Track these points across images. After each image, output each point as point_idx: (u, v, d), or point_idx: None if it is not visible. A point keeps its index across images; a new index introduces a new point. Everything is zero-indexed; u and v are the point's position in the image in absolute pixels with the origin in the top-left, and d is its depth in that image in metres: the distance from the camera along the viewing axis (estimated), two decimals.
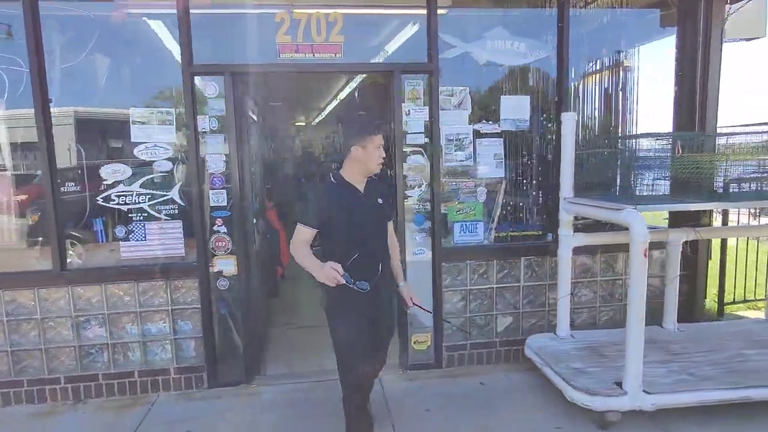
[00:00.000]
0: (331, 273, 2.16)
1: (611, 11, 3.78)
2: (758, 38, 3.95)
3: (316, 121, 10.86)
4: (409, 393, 3.31)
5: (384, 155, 2.39)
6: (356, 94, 6.10)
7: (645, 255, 2.66)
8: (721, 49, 3.64)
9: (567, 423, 2.91)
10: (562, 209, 3.39)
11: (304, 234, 2.33)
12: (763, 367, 3.02)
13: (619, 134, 3.75)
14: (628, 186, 3.27)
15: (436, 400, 3.20)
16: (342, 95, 7.04)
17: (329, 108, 8.79)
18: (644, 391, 2.76)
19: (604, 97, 3.82)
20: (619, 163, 3.38)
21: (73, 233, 3.34)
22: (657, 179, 3.42)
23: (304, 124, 11.38)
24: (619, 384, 2.81)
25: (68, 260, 3.29)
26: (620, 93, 3.84)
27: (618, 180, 3.47)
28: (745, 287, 4.40)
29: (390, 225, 2.64)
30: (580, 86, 3.76)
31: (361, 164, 2.34)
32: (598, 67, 3.80)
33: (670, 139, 3.50)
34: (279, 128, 8.12)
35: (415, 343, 3.66)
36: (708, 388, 2.80)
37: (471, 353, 3.71)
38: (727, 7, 3.68)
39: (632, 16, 3.84)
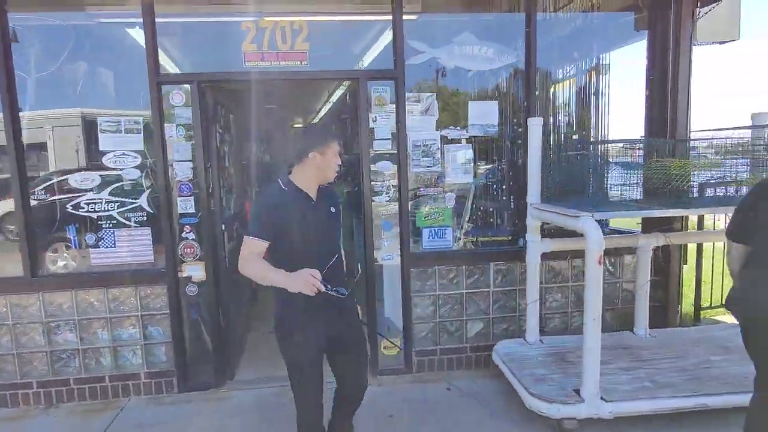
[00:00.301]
0: (310, 279, 1.93)
1: (582, 16, 3.78)
2: (732, 41, 3.91)
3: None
4: (374, 399, 3.32)
5: (340, 163, 2.27)
6: (347, 98, 6.14)
7: (599, 262, 2.66)
8: (690, 53, 3.61)
9: (527, 430, 2.91)
10: (529, 215, 3.39)
11: (255, 247, 2.07)
12: (726, 373, 3.00)
13: (591, 139, 3.73)
14: (593, 192, 3.26)
15: (401, 406, 3.22)
16: (334, 99, 7.08)
17: (323, 112, 8.85)
18: (602, 398, 2.75)
19: (575, 102, 3.81)
20: (583, 169, 3.37)
21: (45, 240, 3.40)
22: (623, 185, 3.43)
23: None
24: (578, 391, 2.81)
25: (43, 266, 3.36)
26: (592, 98, 3.82)
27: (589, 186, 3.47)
28: (722, 291, 4.35)
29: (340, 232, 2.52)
30: (550, 91, 3.75)
31: (319, 171, 2.17)
32: (568, 72, 3.80)
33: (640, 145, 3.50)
34: (271, 133, 8.16)
35: (384, 348, 3.68)
36: (665, 395, 2.79)
37: (441, 359, 3.71)
38: (697, 10, 3.66)
39: (603, 21, 3.83)
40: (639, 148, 3.43)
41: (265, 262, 2.07)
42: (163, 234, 3.38)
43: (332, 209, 2.32)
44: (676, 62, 3.60)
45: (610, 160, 3.55)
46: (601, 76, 3.77)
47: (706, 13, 3.55)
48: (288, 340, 2.18)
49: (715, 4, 3.50)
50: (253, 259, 2.07)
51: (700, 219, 4.13)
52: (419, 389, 3.46)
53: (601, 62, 3.83)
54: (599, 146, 3.45)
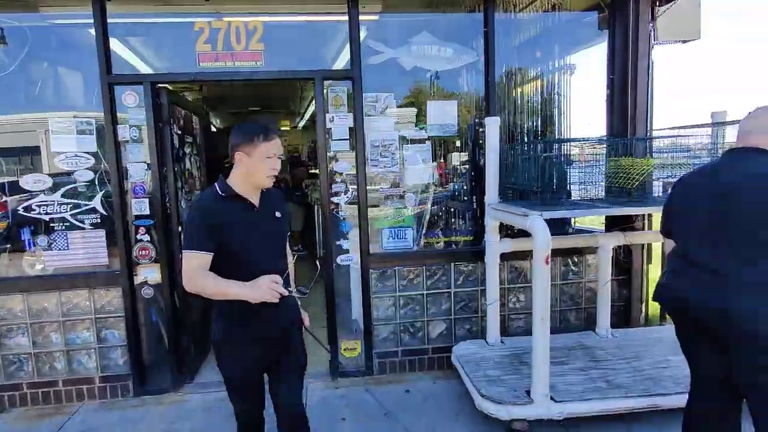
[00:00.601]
0: (272, 286, 1.78)
1: (544, 16, 3.76)
2: (694, 40, 3.91)
3: (301, 125, 10.92)
4: (330, 402, 3.29)
5: (277, 167, 1.96)
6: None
7: (546, 262, 2.63)
8: (650, 52, 3.61)
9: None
10: (487, 215, 3.37)
11: (198, 260, 1.84)
12: (681, 373, 2.97)
13: (553, 138, 3.71)
14: (549, 191, 3.24)
15: (355, 409, 3.18)
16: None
17: (308, 113, 8.81)
18: (552, 399, 2.73)
19: (537, 102, 3.79)
20: (543, 168, 3.35)
21: None
22: (583, 184, 3.42)
23: (288, 129, 11.43)
24: (530, 392, 2.78)
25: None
26: (555, 97, 3.81)
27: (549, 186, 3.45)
28: None
29: (287, 237, 2.27)
30: (511, 91, 3.73)
31: (249, 175, 1.94)
32: (530, 72, 3.78)
33: (603, 143, 3.49)
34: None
35: (345, 350, 3.64)
36: (617, 396, 2.77)
37: (402, 360, 3.68)
38: (656, 9, 3.65)
39: (566, 21, 3.82)
40: (594, 147, 3.42)
41: (215, 275, 1.85)
42: (117, 236, 3.34)
43: (277, 214, 2.10)
44: (635, 61, 3.59)
45: (570, 159, 3.55)
46: (564, 75, 3.76)
47: (664, 12, 3.55)
48: (224, 355, 2.03)
49: (671, 3, 3.49)
50: (199, 274, 1.83)
51: None
52: (378, 392, 3.42)
53: (563, 62, 3.82)
54: (559, 145, 3.42)
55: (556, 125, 3.82)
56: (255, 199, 2.00)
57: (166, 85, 3.43)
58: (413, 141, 3.59)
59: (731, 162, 1.99)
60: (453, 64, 3.60)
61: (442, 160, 3.68)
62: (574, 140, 3.43)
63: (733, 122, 3.23)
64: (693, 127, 3.40)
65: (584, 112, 4.08)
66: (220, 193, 1.96)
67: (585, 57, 3.96)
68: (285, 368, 2.10)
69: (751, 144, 1.94)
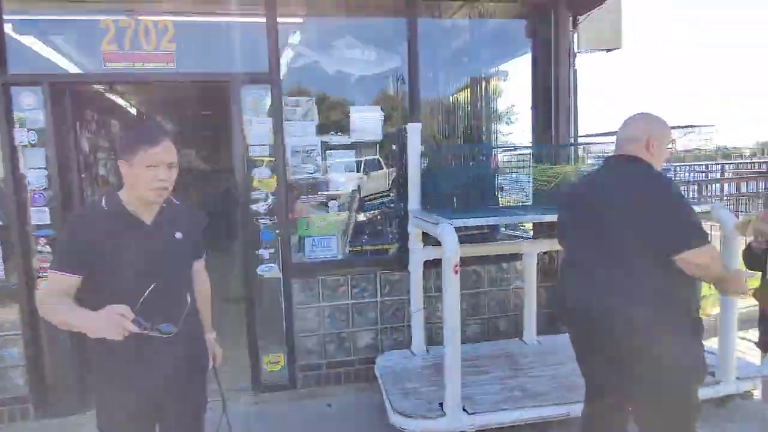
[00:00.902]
0: (115, 319, 1.42)
1: (471, 23, 3.76)
2: (616, 49, 3.99)
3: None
4: (244, 418, 3.13)
5: (165, 177, 1.63)
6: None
7: (455, 271, 2.58)
8: (571, 60, 3.65)
9: None
10: (410, 223, 3.32)
11: (57, 282, 1.58)
12: None
13: (481, 145, 3.69)
14: (474, 197, 3.21)
15: (268, 426, 3.05)
16: None
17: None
18: (465, 410, 2.67)
19: (464, 108, 3.77)
20: (465, 174, 3.31)
21: None
22: (508, 190, 3.41)
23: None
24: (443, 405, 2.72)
25: None
26: (484, 104, 3.80)
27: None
28: None
29: (199, 263, 1.98)
30: (440, 97, 3.70)
31: (131, 187, 1.65)
32: (457, 78, 3.76)
33: (525, 151, 3.49)
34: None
35: (267, 363, 3.50)
36: (530, 405, 2.74)
37: (328, 373, 3.57)
38: (579, 19, 3.70)
39: (493, 28, 3.83)
40: (513, 153, 3.42)
41: (68, 300, 1.57)
42: (14, 248, 3.11)
43: (177, 236, 1.76)
44: (557, 70, 3.62)
45: (498, 165, 3.54)
46: (493, 82, 3.75)
47: (581, 21, 3.59)
48: (97, 402, 1.72)
49: (589, 13, 3.54)
50: (51, 299, 1.56)
51: None
52: (298, 406, 3.30)
53: (493, 69, 3.82)
54: (485, 151, 3.40)
55: (486, 132, 3.80)
56: (147, 216, 1.70)
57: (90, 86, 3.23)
58: (337, 147, 3.50)
59: (606, 170, 2.03)
60: (377, 68, 3.54)
61: (367, 167, 3.60)
62: (487, 147, 3.41)
63: (675, 127, 3.28)
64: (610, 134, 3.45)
65: (516, 119, 4.10)
66: (102, 205, 1.69)
67: (513, 65, 3.98)
68: (176, 420, 1.81)
69: (624, 152, 1.96)
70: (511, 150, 3.41)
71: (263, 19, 3.27)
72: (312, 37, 3.50)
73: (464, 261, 3.63)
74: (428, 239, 3.33)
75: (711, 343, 3.33)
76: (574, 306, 2.01)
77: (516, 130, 4.07)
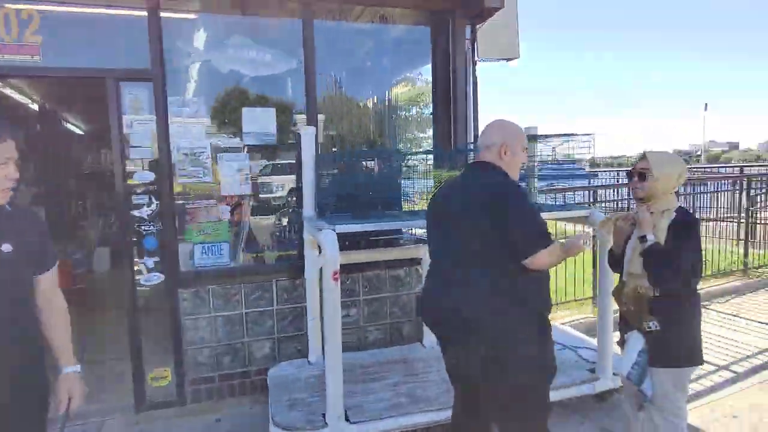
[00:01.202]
0: None
1: (373, 27, 3.74)
2: (514, 59, 4.14)
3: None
4: None
5: (11, 175, 1.54)
6: None
7: (334, 279, 2.52)
8: (469, 68, 3.73)
9: None
10: (304, 229, 3.23)
11: None
12: None
13: (377, 150, 3.69)
14: (367, 204, 3.18)
15: None
16: None
17: None
18: (347, 420, 2.62)
19: (364, 113, 3.75)
20: (364, 180, 3.28)
21: None
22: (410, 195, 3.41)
23: None
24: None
25: None
26: (383, 109, 3.80)
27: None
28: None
29: (46, 279, 1.71)
30: (336, 101, 3.65)
31: None
32: (355, 82, 3.73)
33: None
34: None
35: (152, 379, 3.28)
36: (416, 411, 2.73)
37: (221, 386, 3.40)
38: (477, 27, 3.79)
39: (392, 34, 3.84)
40: (417, 159, 3.43)
41: None
42: None
43: (5, 247, 1.52)
44: (455, 77, 3.68)
45: (401, 170, 3.52)
46: (392, 87, 3.76)
47: (477, 30, 3.68)
48: None
49: (482, 23, 3.63)
50: None
51: None
52: (185, 423, 3.12)
53: (392, 74, 3.83)
54: (383, 157, 3.39)
55: (389, 137, 3.80)
56: None
57: None
58: (229, 150, 3.36)
59: (463, 176, 2.08)
60: (272, 69, 3.43)
61: (262, 170, 3.49)
62: (384, 152, 3.40)
63: (543, 136, 3.40)
64: None
65: (420, 125, 4.13)
66: None
67: (416, 71, 4.01)
68: None
69: (480, 158, 2.01)
70: (406, 155, 3.40)
71: (143, 12, 3.08)
72: (203, 35, 3.34)
73: (365, 266, 3.64)
74: None
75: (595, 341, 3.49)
76: (429, 306, 2.07)
77: (421, 136, 4.09)
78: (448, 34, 3.68)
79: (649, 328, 2.21)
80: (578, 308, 4.82)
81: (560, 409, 3.13)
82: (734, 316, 4.64)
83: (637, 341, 2.27)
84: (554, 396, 2.98)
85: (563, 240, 2.11)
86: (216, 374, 3.39)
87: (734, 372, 3.58)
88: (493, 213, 1.82)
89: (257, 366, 3.47)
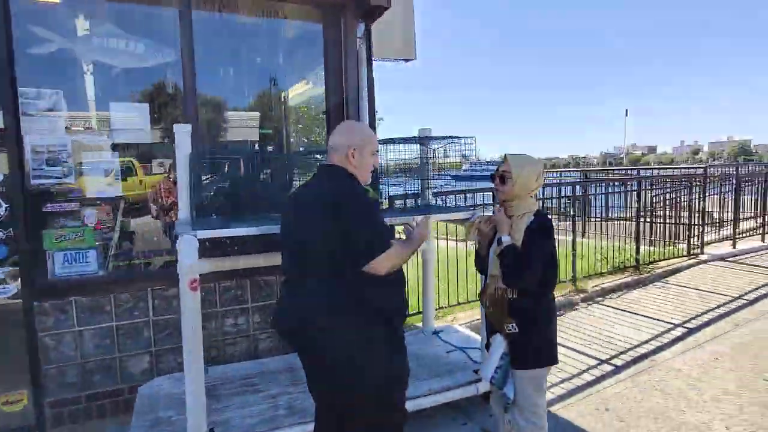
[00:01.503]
0: None
1: (263, 21, 3.58)
2: (411, 60, 4.14)
3: None
4: None
5: None
6: None
7: (192, 287, 2.36)
8: (360, 67, 3.65)
9: None
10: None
11: None
12: None
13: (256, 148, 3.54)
14: (248, 206, 3.02)
15: None
16: None
17: None
18: None
19: (254, 109, 3.59)
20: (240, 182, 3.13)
21: None
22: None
23: None
24: None
25: None
26: (272, 107, 3.65)
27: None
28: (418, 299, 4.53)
29: None
30: (221, 97, 3.46)
31: None
32: (242, 78, 3.56)
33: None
34: None
35: (4, 404, 2.94)
36: (288, 424, 2.61)
37: (89, 406, 3.11)
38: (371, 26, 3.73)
39: (284, 29, 3.70)
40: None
41: None
42: None
43: None
44: (347, 75, 3.59)
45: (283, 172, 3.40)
46: (276, 83, 3.62)
47: (369, 29, 3.62)
48: None
49: (373, 22, 3.58)
50: None
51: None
52: None
53: (284, 71, 3.69)
54: (265, 157, 3.25)
55: (278, 136, 3.66)
56: None
57: None
58: (94, 147, 3.08)
59: (310, 180, 2.00)
60: (146, 62, 3.19)
61: (134, 170, 3.23)
62: (263, 152, 3.27)
63: (436, 138, 3.39)
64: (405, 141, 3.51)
65: (311, 124, 4.02)
66: None
67: (309, 69, 3.89)
68: None
69: (329, 161, 1.93)
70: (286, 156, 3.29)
71: None
72: (63, 21, 3.03)
73: (254, 271, 3.47)
74: (215, 249, 3.10)
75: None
76: (278, 318, 1.97)
77: (317, 136, 3.99)
78: (340, 32, 3.60)
79: (509, 330, 2.24)
80: (478, 308, 4.90)
81: (449, 410, 3.15)
82: (623, 311, 4.91)
83: (499, 344, 2.29)
84: (440, 399, 3.03)
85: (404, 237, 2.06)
86: (83, 394, 3.10)
87: (614, 365, 3.76)
88: (333, 219, 1.75)
89: (132, 383, 3.21)
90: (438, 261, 4.51)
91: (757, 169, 8.37)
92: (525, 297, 2.20)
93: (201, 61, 3.25)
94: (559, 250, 5.48)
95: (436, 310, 4.57)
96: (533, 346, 2.21)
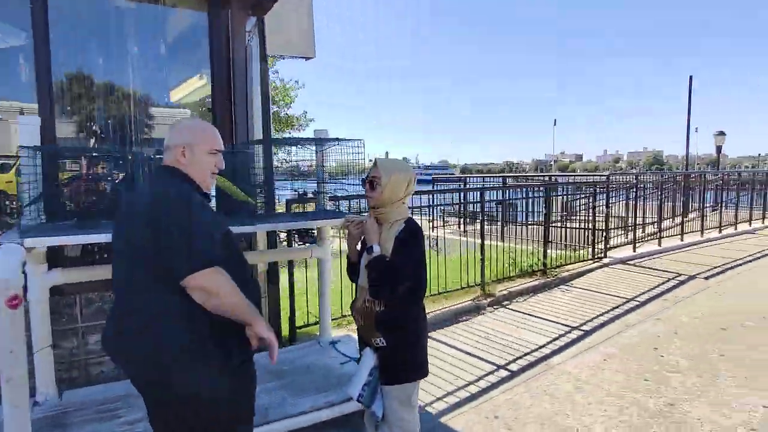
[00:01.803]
0: None
1: (138, 6, 3.26)
2: (309, 58, 3.96)
3: None
4: None
5: None
6: None
7: (10, 305, 2.03)
8: (250, 62, 3.44)
9: None
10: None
11: None
12: (270, 402, 2.77)
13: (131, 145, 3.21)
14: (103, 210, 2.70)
15: None
16: None
17: None
18: None
19: (119, 105, 3.25)
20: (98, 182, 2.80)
21: None
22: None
23: None
24: None
25: None
26: (144, 101, 3.32)
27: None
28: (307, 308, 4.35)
29: None
30: (84, 87, 3.10)
31: None
32: (112, 68, 3.22)
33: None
34: None
35: None
36: None
37: None
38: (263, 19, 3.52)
39: (164, 16, 3.40)
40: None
41: None
42: None
43: None
44: (234, 70, 3.35)
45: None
46: (146, 73, 3.30)
47: (262, 23, 3.41)
48: None
49: (264, 14, 3.37)
50: None
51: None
52: None
53: (162, 61, 3.38)
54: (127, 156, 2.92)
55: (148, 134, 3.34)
56: None
57: None
58: None
59: (145, 183, 1.79)
60: None
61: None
62: (120, 150, 2.96)
63: (330, 140, 3.23)
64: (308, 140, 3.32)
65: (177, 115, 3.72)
66: None
67: (193, 62, 3.60)
68: None
69: (163, 162, 1.73)
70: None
71: None
72: None
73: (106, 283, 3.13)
74: (86, 257, 2.75)
75: None
76: (104, 339, 1.71)
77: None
78: (227, 24, 3.35)
79: (377, 344, 2.11)
80: None
81: (335, 428, 2.98)
82: (528, 315, 5.00)
83: (369, 359, 2.16)
84: (322, 416, 2.86)
85: None
86: None
87: (510, 371, 3.77)
88: (148, 225, 1.53)
89: None
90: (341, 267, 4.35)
91: (655, 178, 8.98)
92: (393, 309, 2.08)
93: (60, 47, 2.89)
94: (474, 254, 5.42)
95: (339, 318, 4.41)
96: (401, 360, 2.10)
